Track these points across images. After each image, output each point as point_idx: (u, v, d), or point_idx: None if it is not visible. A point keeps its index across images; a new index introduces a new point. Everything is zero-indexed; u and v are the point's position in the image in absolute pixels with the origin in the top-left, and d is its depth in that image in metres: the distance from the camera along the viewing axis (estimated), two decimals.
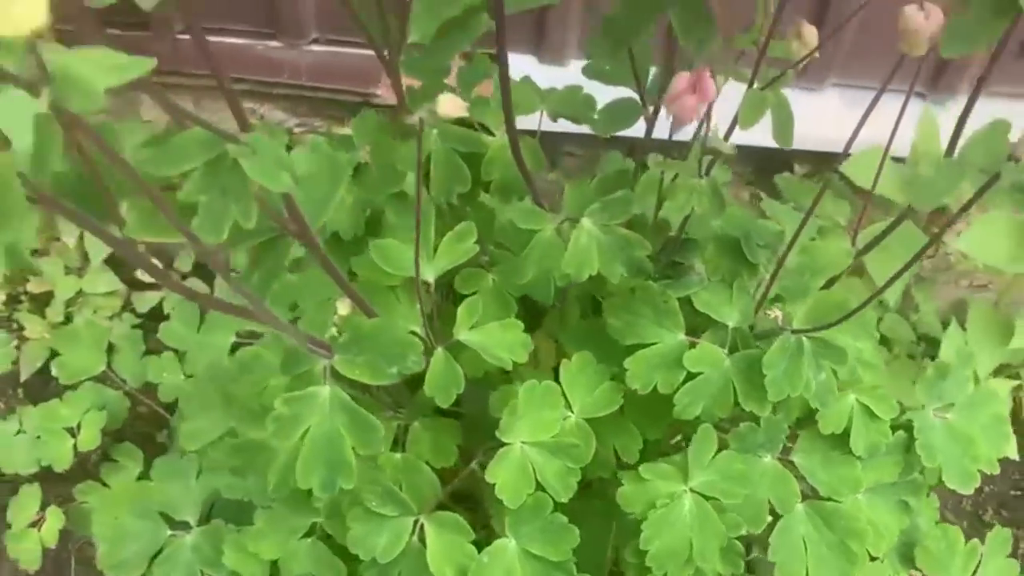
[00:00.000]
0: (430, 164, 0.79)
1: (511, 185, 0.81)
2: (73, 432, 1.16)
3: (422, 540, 0.77)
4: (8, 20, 0.29)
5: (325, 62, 1.22)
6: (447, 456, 0.85)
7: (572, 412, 0.81)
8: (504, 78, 0.62)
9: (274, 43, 1.22)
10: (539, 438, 0.76)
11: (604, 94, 0.82)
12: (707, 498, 0.79)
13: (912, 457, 0.89)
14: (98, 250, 1.38)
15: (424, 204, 0.79)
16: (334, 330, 0.71)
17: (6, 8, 0.29)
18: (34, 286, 1.44)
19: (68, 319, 1.43)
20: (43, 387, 1.38)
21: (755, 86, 0.63)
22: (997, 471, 0.91)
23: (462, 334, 0.78)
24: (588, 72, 0.76)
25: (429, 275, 0.78)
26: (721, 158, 0.69)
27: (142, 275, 1.45)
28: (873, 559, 0.88)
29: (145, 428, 1.34)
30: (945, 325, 1.27)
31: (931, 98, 1.27)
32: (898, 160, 1.18)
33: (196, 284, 1.40)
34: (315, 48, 1.23)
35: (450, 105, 0.54)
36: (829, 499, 0.84)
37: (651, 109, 0.76)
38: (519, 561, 0.76)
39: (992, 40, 0.51)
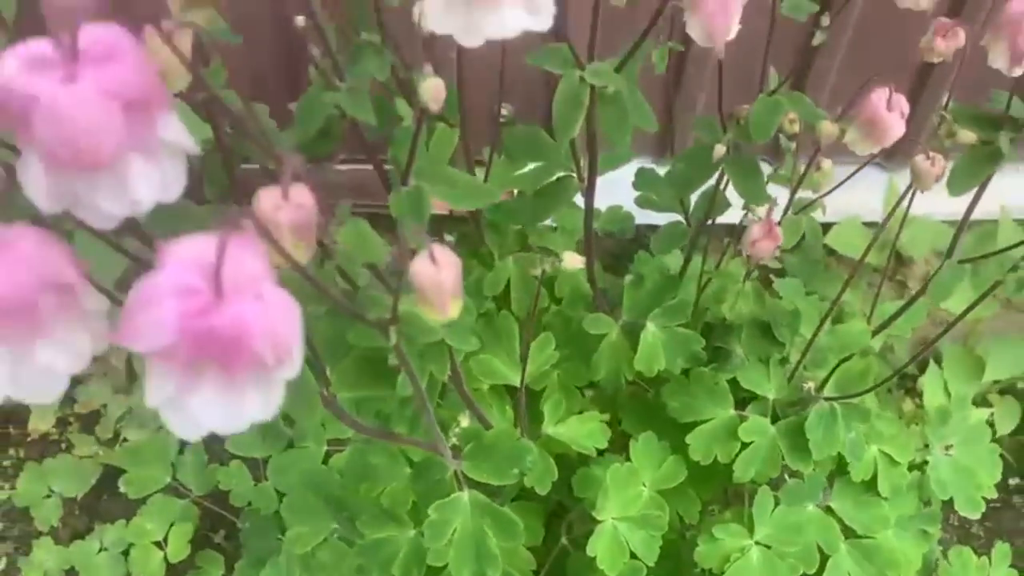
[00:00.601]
0: (508, 286, 0.93)
1: (579, 297, 0.95)
2: (160, 545, 1.24)
3: None
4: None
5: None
6: (536, 535, 0.98)
7: (645, 486, 0.95)
8: (588, 225, 0.77)
9: None
10: (627, 513, 0.90)
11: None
12: (769, 547, 0.93)
13: (926, 491, 1.04)
14: None
15: (507, 321, 0.93)
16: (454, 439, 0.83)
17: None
18: (82, 407, 1.52)
19: (116, 435, 1.51)
20: (96, 504, 1.45)
21: (790, 212, 0.78)
22: (995, 495, 1.08)
23: (550, 429, 0.91)
24: (639, 202, 0.91)
25: (518, 381, 0.92)
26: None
27: None
28: None
29: (203, 531, 1.43)
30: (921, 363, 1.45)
31: (888, 167, 1.45)
32: (870, 224, 1.35)
33: None
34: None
35: (573, 260, 0.68)
36: (865, 536, 0.99)
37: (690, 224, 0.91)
38: None
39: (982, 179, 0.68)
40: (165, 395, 0.32)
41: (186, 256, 0.31)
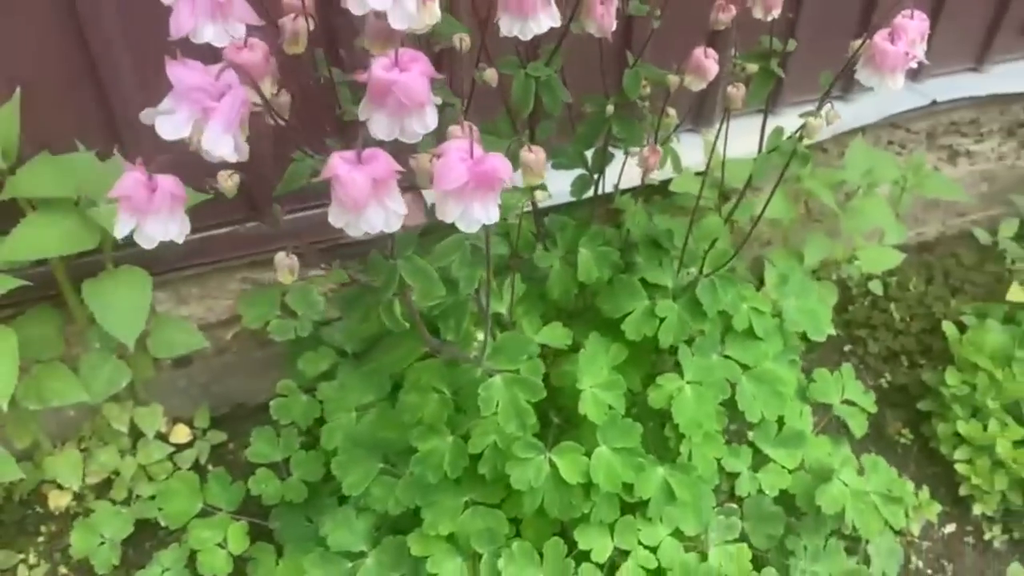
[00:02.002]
0: None
1: (528, 243, 1.31)
2: (222, 544, 1.48)
3: (552, 465, 1.23)
4: None
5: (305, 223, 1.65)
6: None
7: (603, 367, 1.32)
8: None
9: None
10: (597, 381, 1.26)
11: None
12: (698, 383, 1.32)
13: (785, 333, 1.47)
14: (151, 425, 1.68)
15: None
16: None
17: None
18: (93, 476, 1.71)
19: (130, 493, 1.70)
20: (138, 550, 1.64)
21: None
22: (832, 331, 1.52)
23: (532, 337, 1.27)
24: (555, 167, 1.30)
25: (504, 310, 1.26)
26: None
27: (175, 437, 1.77)
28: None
29: None
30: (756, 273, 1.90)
31: (702, 132, 1.92)
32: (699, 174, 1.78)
33: None
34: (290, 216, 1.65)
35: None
36: (755, 367, 1.40)
37: (595, 177, 1.30)
38: (609, 457, 1.24)
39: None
40: (461, 214, 0.67)
41: (453, 147, 0.66)
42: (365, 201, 0.66)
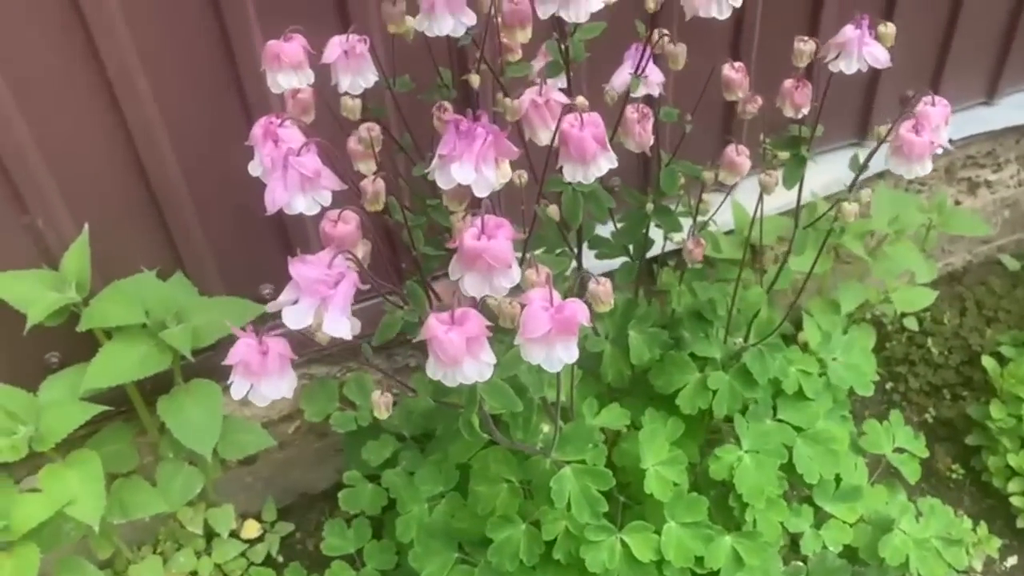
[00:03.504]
0: None
1: None
2: None
3: (624, 545, 1.27)
4: None
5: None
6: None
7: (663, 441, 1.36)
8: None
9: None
10: (660, 459, 1.31)
11: None
12: (756, 452, 1.36)
13: (834, 390, 1.51)
14: (225, 524, 1.74)
15: None
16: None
17: None
18: None
19: None
20: None
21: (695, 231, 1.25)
22: (876, 378, 1.56)
23: (592, 421, 1.32)
24: (598, 256, 1.36)
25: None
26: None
27: (246, 533, 1.82)
28: None
29: None
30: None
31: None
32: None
33: None
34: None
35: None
36: (808, 428, 1.44)
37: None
38: (678, 532, 1.28)
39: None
40: (545, 357, 0.73)
41: (535, 296, 0.71)
42: (461, 358, 0.72)
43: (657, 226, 1.27)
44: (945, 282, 2.29)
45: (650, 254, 1.41)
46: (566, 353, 0.75)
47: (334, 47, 0.94)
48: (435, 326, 0.72)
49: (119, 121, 1.30)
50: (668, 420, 1.39)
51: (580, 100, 0.89)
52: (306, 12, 1.27)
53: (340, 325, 0.74)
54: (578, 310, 0.74)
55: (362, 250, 0.85)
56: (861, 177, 1.99)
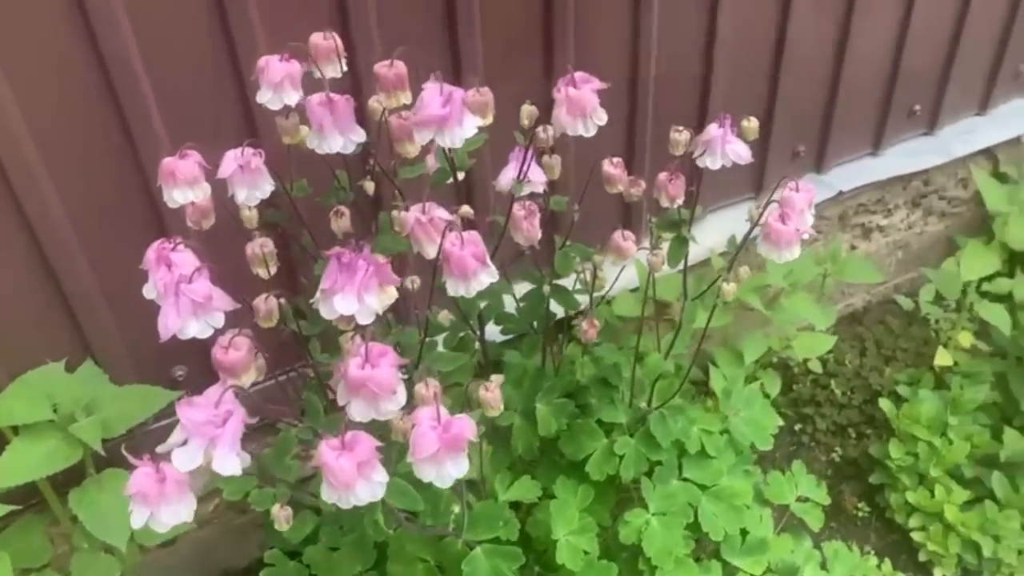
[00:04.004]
0: None
1: None
2: None
3: None
4: None
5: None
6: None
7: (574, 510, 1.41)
8: (486, 354, 1.24)
9: None
10: (570, 528, 1.35)
11: None
12: (662, 515, 1.42)
13: (736, 445, 1.58)
14: None
15: None
16: None
17: None
18: None
19: None
20: None
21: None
22: (775, 431, 1.64)
23: (504, 496, 1.35)
24: (503, 332, 1.40)
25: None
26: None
27: None
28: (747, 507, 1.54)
29: None
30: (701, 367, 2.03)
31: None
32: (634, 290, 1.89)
33: None
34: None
35: None
36: (713, 486, 1.50)
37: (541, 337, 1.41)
38: None
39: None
40: (436, 475, 0.76)
41: (423, 416, 0.75)
42: (353, 483, 0.75)
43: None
44: (847, 323, 2.40)
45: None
46: (456, 469, 0.79)
47: (229, 162, 0.97)
48: (326, 452, 0.76)
49: (21, 221, 1.30)
50: (579, 487, 1.43)
51: (464, 210, 0.94)
52: (211, 126, 1.31)
53: (229, 463, 0.77)
54: (465, 427, 0.78)
55: (255, 374, 0.88)
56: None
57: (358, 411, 0.79)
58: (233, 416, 0.77)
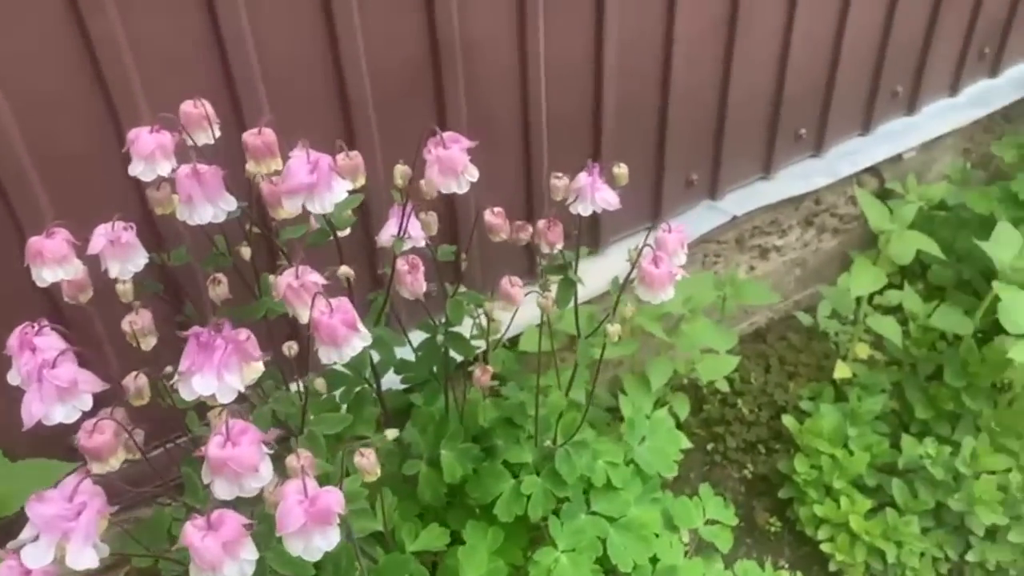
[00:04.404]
0: None
1: (392, 454, 1.41)
2: None
3: None
4: None
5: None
6: None
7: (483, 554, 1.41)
8: (385, 410, 1.24)
9: None
10: (480, 572, 1.36)
11: None
12: (571, 551, 1.43)
13: (642, 474, 1.61)
14: None
15: None
16: None
17: None
18: None
19: None
20: None
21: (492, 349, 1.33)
22: (680, 456, 1.67)
23: (412, 547, 1.35)
24: (404, 381, 1.41)
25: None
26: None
27: None
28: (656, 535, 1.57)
29: None
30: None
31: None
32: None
33: None
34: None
35: None
36: (621, 518, 1.53)
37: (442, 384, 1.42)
38: None
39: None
40: (304, 548, 0.76)
41: (290, 491, 0.75)
42: (220, 562, 0.75)
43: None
44: (752, 340, 2.48)
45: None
46: (324, 542, 0.79)
47: (99, 238, 0.96)
48: (190, 533, 0.75)
49: None
50: (489, 530, 1.44)
51: (343, 270, 0.94)
52: (98, 196, 1.29)
53: (84, 556, 0.75)
54: (332, 501, 0.79)
55: (123, 455, 0.87)
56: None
57: (222, 490, 0.78)
58: (88, 507, 0.76)
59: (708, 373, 2.08)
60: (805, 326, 2.45)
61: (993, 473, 1.90)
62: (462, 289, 1.31)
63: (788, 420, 2.08)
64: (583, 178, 1.16)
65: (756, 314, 2.52)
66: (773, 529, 2.05)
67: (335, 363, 0.88)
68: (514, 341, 1.83)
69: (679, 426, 2.17)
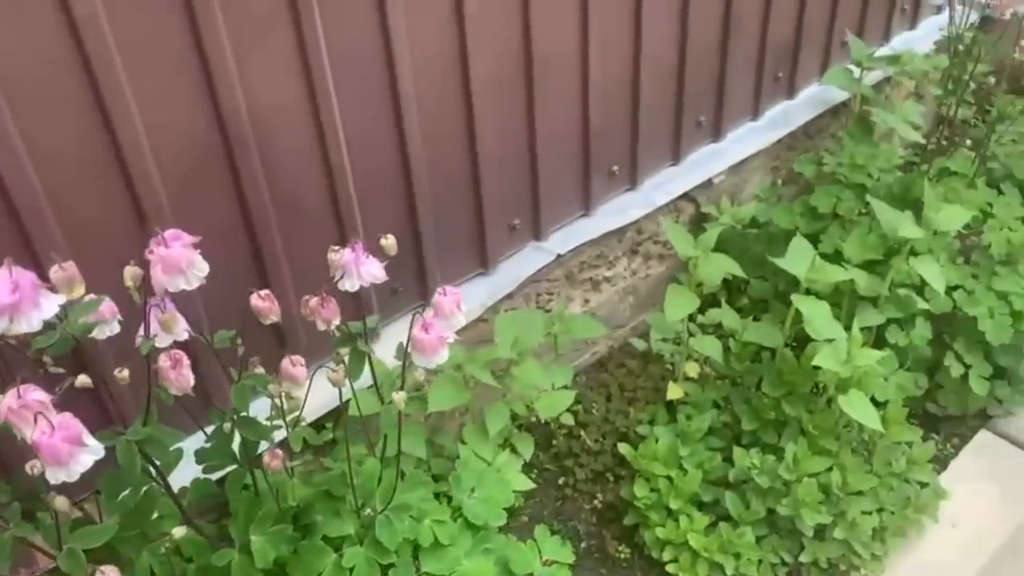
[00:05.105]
0: None
1: (202, 548, 1.38)
2: None
3: None
4: None
5: None
6: None
7: None
8: (181, 510, 1.22)
9: None
10: None
11: None
12: None
13: (473, 525, 1.63)
14: None
15: None
16: None
17: None
18: None
19: None
20: None
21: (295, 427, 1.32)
22: (512, 503, 1.70)
23: None
24: (205, 471, 1.38)
25: None
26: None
27: None
28: None
29: None
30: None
31: None
32: None
33: None
34: None
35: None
36: (452, 573, 1.54)
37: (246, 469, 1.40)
38: None
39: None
40: None
41: None
42: None
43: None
44: (595, 370, 2.55)
45: None
46: None
47: None
48: None
49: None
50: None
51: (81, 379, 0.93)
52: None
53: None
54: None
55: None
56: (489, 304, 2.19)
57: None
58: None
59: (546, 411, 2.13)
60: (641, 351, 2.54)
61: (815, 475, 2.01)
62: (257, 370, 1.31)
63: (624, 447, 2.15)
64: (347, 254, 1.18)
65: (597, 344, 2.60)
66: (623, 556, 2.11)
67: (63, 480, 0.86)
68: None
69: (529, 464, 2.23)
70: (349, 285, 1.17)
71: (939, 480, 2.16)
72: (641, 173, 2.49)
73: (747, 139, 2.68)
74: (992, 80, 2.46)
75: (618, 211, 2.45)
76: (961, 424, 2.38)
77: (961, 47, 2.51)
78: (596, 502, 2.23)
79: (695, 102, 2.53)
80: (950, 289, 2.27)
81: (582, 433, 2.32)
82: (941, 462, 2.30)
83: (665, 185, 2.53)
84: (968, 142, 2.71)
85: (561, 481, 2.28)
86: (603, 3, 2.11)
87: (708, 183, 2.61)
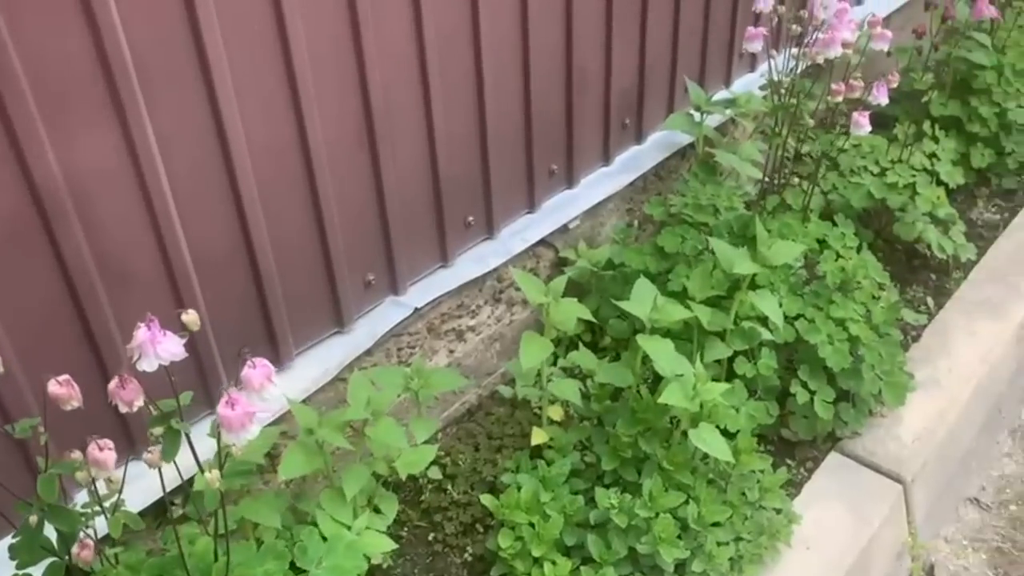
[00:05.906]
0: None
1: None
2: None
3: None
4: None
5: None
6: None
7: None
8: None
9: None
10: None
11: None
12: None
13: None
14: None
15: None
16: None
17: None
18: None
19: None
20: None
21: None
22: (365, 567, 1.68)
23: None
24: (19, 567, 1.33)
25: None
26: None
27: None
28: None
29: None
30: None
31: None
32: None
33: None
34: None
35: None
36: None
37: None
38: None
39: None
40: None
41: None
42: None
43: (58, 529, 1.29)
44: (465, 420, 2.56)
45: None
46: None
47: None
48: None
49: None
50: None
51: None
52: None
53: None
54: None
55: None
56: (346, 363, 2.18)
57: None
58: None
59: (407, 468, 2.12)
60: (508, 398, 2.56)
61: (672, 510, 2.06)
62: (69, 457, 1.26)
63: (487, 498, 2.15)
64: (141, 334, 1.15)
65: (467, 394, 2.61)
66: None
67: None
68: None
69: (399, 521, 2.21)
70: (147, 365, 1.15)
71: (793, 505, 2.25)
72: (498, 222, 2.54)
73: (600, 184, 2.77)
74: (810, 121, 2.62)
75: (477, 260, 2.48)
76: (813, 448, 2.49)
77: (782, 90, 2.67)
78: (467, 555, 2.22)
79: (545, 152, 2.60)
80: (792, 319, 2.38)
81: (449, 487, 2.31)
82: (797, 486, 2.39)
83: (522, 232, 2.58)
84: (795, 180, 2.87)
85: (431, 536, 2.26)
86: (441, 56, 2.15)
87: (564, 228, 2.68)
